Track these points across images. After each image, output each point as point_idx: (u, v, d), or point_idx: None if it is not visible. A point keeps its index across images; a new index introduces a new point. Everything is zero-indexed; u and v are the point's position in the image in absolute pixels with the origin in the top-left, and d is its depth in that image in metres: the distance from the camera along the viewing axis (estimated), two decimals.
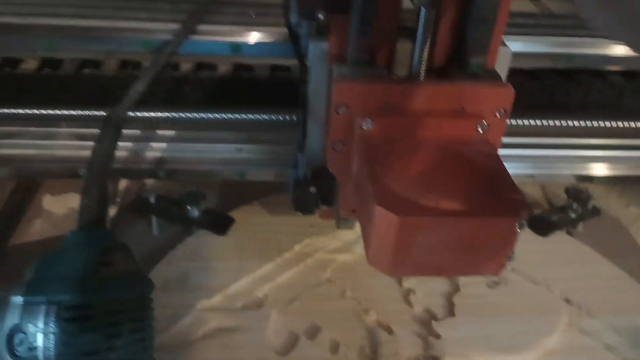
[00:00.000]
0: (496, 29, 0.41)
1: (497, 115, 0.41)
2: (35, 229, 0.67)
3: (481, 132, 0.40)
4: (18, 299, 0.38)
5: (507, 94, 0.40)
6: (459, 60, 0.43)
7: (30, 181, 0.73)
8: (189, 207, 0.61)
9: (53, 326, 0.37)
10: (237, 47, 0.47)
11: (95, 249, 0.40)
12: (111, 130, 0.44)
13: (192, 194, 0.61)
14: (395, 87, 0.40)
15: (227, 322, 0.52)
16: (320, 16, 0.40)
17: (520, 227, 0.32)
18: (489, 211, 0.33)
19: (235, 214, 0.63)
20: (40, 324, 0.38)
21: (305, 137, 0.47)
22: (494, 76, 0.42)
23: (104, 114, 0.54)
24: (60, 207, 0.70)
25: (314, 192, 0.48)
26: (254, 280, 0.56)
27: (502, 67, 0.44)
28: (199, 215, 0.61)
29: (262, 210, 0.64)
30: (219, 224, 0.61)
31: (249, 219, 0.63)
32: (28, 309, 0.38)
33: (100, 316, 0.38)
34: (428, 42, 0.40)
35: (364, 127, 0.39)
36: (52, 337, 0.37)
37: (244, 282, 0.56)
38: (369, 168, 0.37)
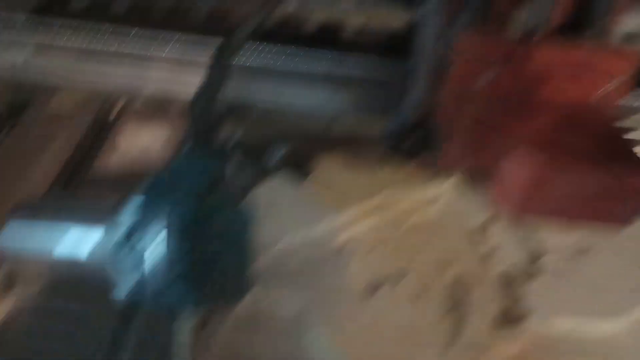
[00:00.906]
0: None
1: (620, 79, 0.40)
2: (110, 166, 0.69)
3: (603, 95, 0.39)
4: (139, 199, 0.39)
5: (633, 58, 0.39)
6: (582, 21, 0.42)
7: (106, 117, 0.74)
8: (270, 151, 0.61)
9: (169, 232, 0.38)
10: None
11: (212, 168, 0.41)
12: (225, 57, 0.44)
13: (274, 137, 0.61)
14: (517, 42, 0.39)
15: (308, 265, 0.52)
16: None
17: None
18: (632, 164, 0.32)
19: (315, 162, 0.63)
20: (158, 228, 0.38)
21: (412, 85, 0.47)
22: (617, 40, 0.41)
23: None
24: (134, 145, 0.71)
25: (415, 139, 0.48)
26: (333, 227, 0.56)
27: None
28: (280, 159, 0.61)
29: (343, 161, 0.64)
30: (299, 169, 0.61)
31: (329, 169, 0.63)
32: (147, 211, 0.39)
33: (212, 229, 0.39)
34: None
35: (486, 79, 0.39)
36: (165, 243, 0.38)
37: (324, 227, 0.56)
38: (494, 116, 0.37)
